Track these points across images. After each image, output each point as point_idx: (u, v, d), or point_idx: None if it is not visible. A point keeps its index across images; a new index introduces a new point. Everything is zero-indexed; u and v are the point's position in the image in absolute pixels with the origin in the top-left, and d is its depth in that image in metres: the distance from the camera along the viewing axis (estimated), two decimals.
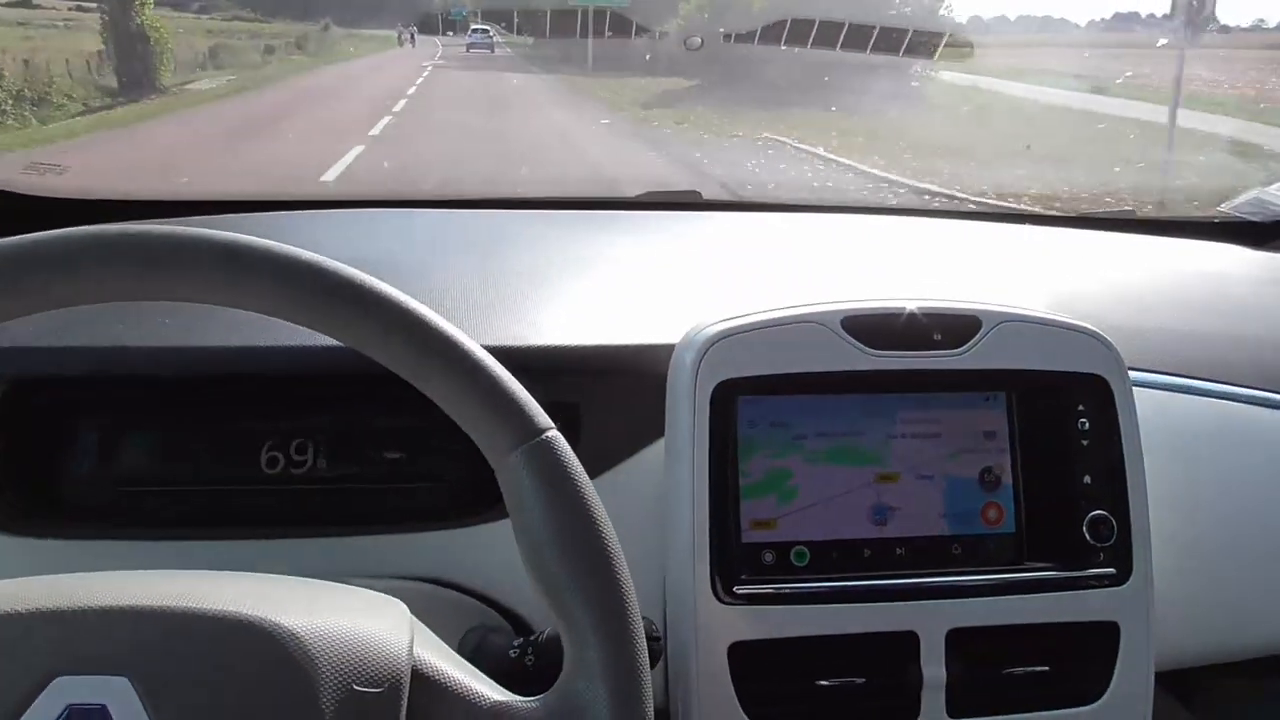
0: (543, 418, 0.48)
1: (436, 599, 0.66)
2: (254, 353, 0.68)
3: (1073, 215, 1.21)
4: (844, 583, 0.65)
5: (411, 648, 0.45)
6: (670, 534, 0.65)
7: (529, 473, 0.47)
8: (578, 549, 0.46)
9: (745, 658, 0.63)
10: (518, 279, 0.84)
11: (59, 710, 0.40)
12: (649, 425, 0.69)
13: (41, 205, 1.03)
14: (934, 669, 0.64)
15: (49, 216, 0.95)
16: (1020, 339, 0.68)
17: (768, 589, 0.64)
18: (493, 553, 0.67)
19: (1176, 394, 0.80)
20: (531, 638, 0.58)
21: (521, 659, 0.56)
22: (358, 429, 0.72)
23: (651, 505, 0.67)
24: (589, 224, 1.10)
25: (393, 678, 0.43)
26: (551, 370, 0.70)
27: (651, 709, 0.46)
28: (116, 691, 0.40)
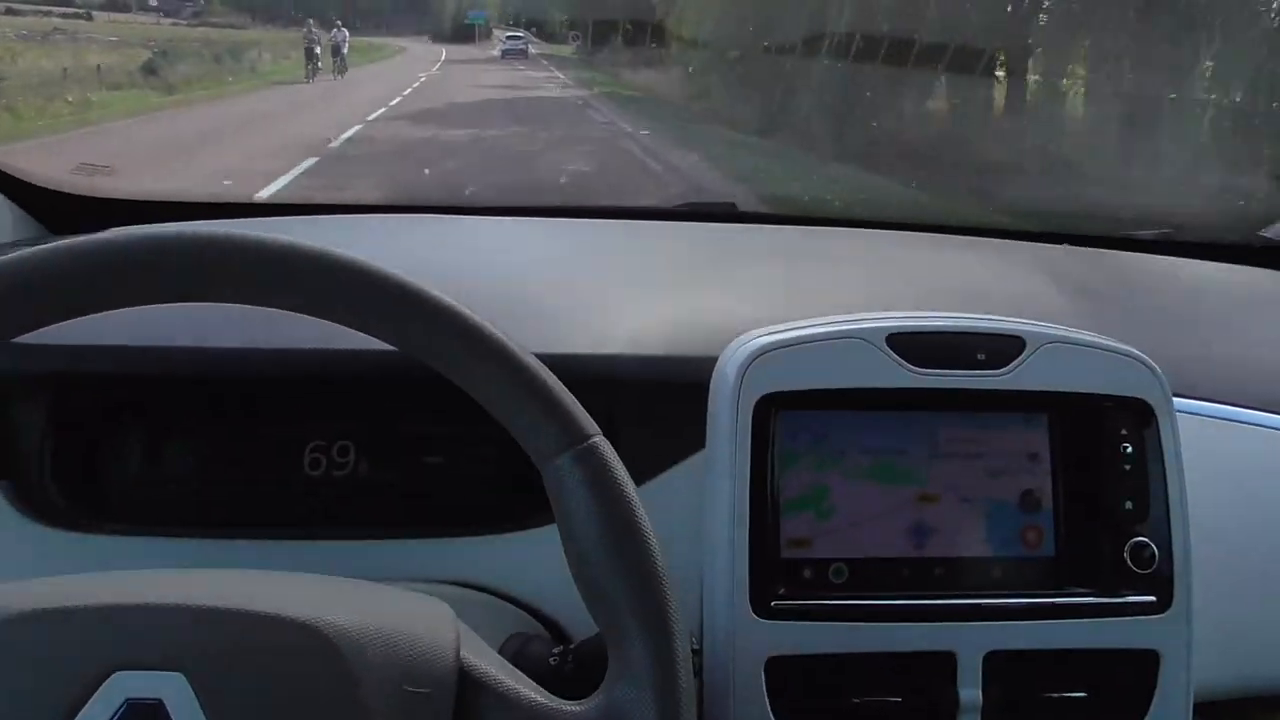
0: (590, 423, 0.49)
1: (476, 605, 0.66)
2: (300, 355, 0.69)
3: (1115, 237, 1.20)
4: (882, 601, 0.65)
5: (459, 649, 0.45)
6: (708, 547, 0.65)
7: (576, 477, 0.47)
8: (623, 553, 0.47)
9: (781, 673, 0.63)
10: (555, 288, 0.84)
11: (117, 704, 0.41)
12: (687, 437, 0.69)
13: (88, 205, 1.05)
14: (970, 691, 0.64)
15: (91, 217, 0.97)
16: (1064, 360, 0.68)
17: (806, 605, 0.64)
18: (532, 560, 0.67)
19: (1219, 421, 0.80)
20: (571, 645, 0.58)
21: (562, 666, 0.57)
22: (400, 433, 0.73)
23: (689, 518, 0.67)
24: (624, 233, 1.11)
25: (442, 678, 0.44)
26: (589, 380, 0.70)
27: (695, 715, 0.46)
28: (172, 687, 0.41)
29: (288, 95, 11.09)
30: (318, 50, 12.04)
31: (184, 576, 0.47)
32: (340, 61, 12.27)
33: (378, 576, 0.63)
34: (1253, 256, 1.15)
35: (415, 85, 12.24)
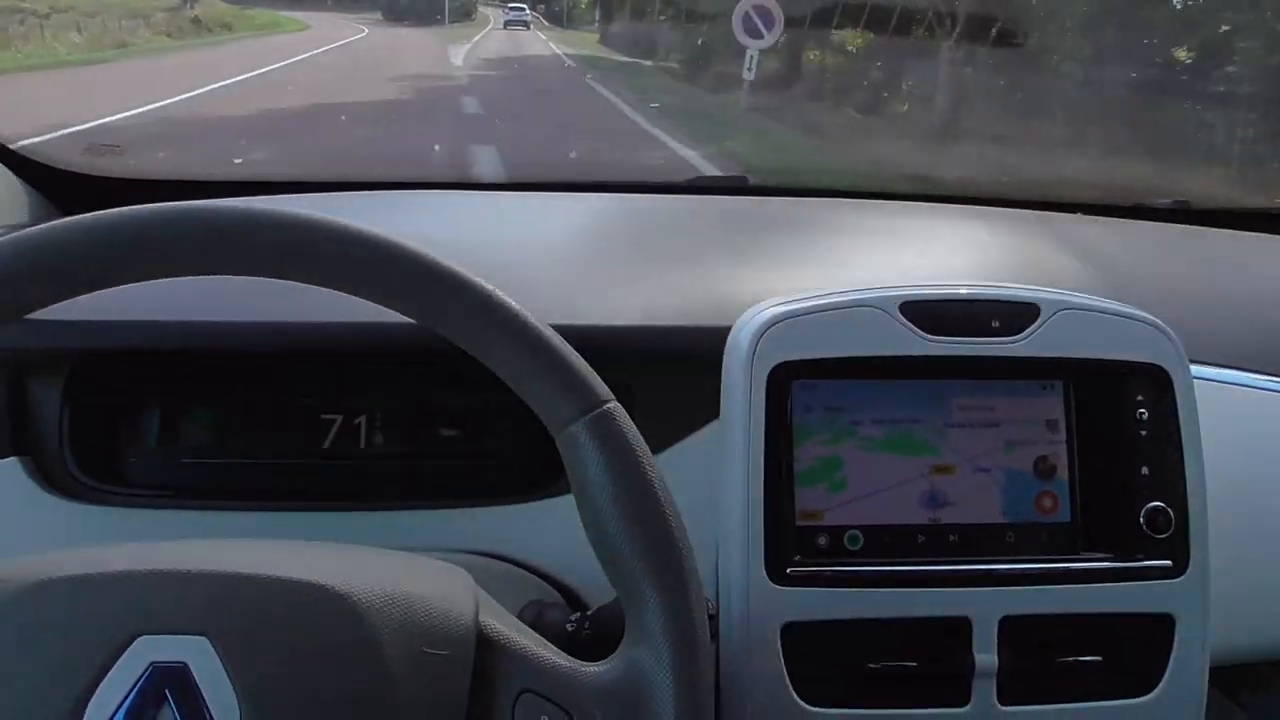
0: (604, 389, 0.49)
1: (494, 573, 0.67)
2: (318, 329, 0.69)
3: (1128, 205, 1.19)
4: (897, 567, 0.65)
5: (477, 612, 0.46)
6: (724, 515, 0.65)
7: (591, 442, 0.47)
8: (639, 517, 0.47)
9: (797, 639, 0.63)
10: (568, 261, 0.84)
11: (142, 667, 0.41)
12: (702, 407, 0.69)
13: (98, 185, 1.05)
14: (986, 656, 0.64)
15: (102, 196, 0.97)
16: (1079, 327, 0.68)
17: (821, 571, 0.64)
18: (549, 529, 0.68)
19: (1236, 387, 0.79)
20: (589, 612, 0.59)
21: (579, 633, 0.57)
22: (417, 406, 0.73)
23: (705, 487, 0.67)
24: (636, 207, 1.11)
25: (460, 640, 0.44)
26: (605, 351, 0.70)
27: (712, 676, 0.46)
28: (197, 651, 0.42)
29: None
30: None
31: (205, 545, 0.47)
32: None
33: (396, 547, 0.64)
34: (1271, 223, 1.14)
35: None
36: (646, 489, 0.47)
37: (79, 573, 0.43)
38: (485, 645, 0.45)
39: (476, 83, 8.80)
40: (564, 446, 0.48)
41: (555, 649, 0.47)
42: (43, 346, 0.69)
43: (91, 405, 0.71)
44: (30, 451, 0.69)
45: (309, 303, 0.69)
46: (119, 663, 0.41)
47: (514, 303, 0.49)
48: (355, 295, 0.49)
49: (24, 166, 1.00)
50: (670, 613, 0.46)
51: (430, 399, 0.74)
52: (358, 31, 14.68)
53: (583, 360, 0.49)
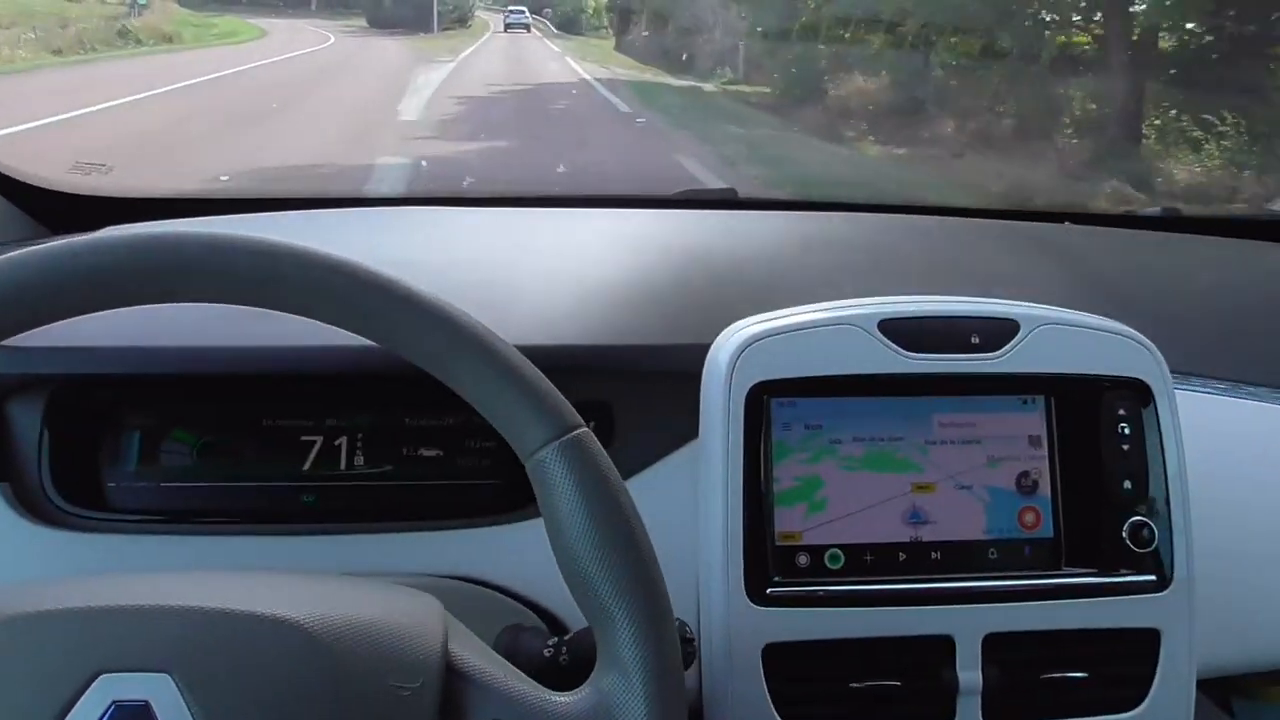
0: (573, 415, 0.49)
1: (471, 597, 0.66)
2: (295, 352, 0.69)
3: (1116, 214, 1.19)
4: (879, 586, 0.65)
5: (446, 642, 0.46)
6: (703, 536, 0.65)
7: (559, 469, 0.47)
8: (608, 543, 0.46)
9: (779, 659, 0.63)
10: (549, 277, 0.84)
11: (104, 706, 0.41)
12: (682, 426, 0.69)
13: (83, 204, 1.05)
14: (970, 674, 0.64)
15: (88, 216, 0.97)
16: (1060, 342, 0.67)
17: (801, 591, 0.64)
18: (527, 552, 0.67)
19: (1219, 397, 0.79)
20: (566, 637, 0.58)
21: (556, 658, 0.57)
22: (395, 428, 0.73)
23: (685, 507, 0.67)
24: (624, 222, 1.10)
25: (427, 672, 0.44)
26: (584, 369, 0.70)
27: (685, 703, 0.46)
28: (159, 688, 0.41)
29: None
30: None
31: (167, 578, 0.47)
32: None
33: (375, 569, 0.64)
34: (1260, 231, 1.14)
35: None
36: (617, 516, 0.47)
37: (39, 609, 0.43)
38: (454, 675, 0.45)
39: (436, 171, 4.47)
40: (533, 473, 0.48)
41: (525, 678, 0.47)
42: (21, 372, 0.69)
43: (71, 431, 0.71)
44: (9, 478, 0.69)
45: (288, 326, 0.69)
46: (81, 701, 0.41)
47: (481, 326, 0.49)
48: (321, 322, 0.49)
49: (7, 185, 1.00)
50: (641, 640, 0.45)
51: (411, 419, 0.73)
52: (323, 40, 12.85)
53: (550, 384, 0.49)
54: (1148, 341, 0.68)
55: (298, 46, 12.05)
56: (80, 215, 1.00)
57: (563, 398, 0.49)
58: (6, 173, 1.00)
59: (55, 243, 0.47)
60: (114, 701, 0.41)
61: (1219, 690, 0.81)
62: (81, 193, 1.07)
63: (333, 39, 12.93)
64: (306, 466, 0.72)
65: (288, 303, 0.48)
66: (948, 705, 0.64)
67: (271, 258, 0.48)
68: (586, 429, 0.48)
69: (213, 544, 0.69)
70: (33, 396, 0.70)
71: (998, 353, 0.67)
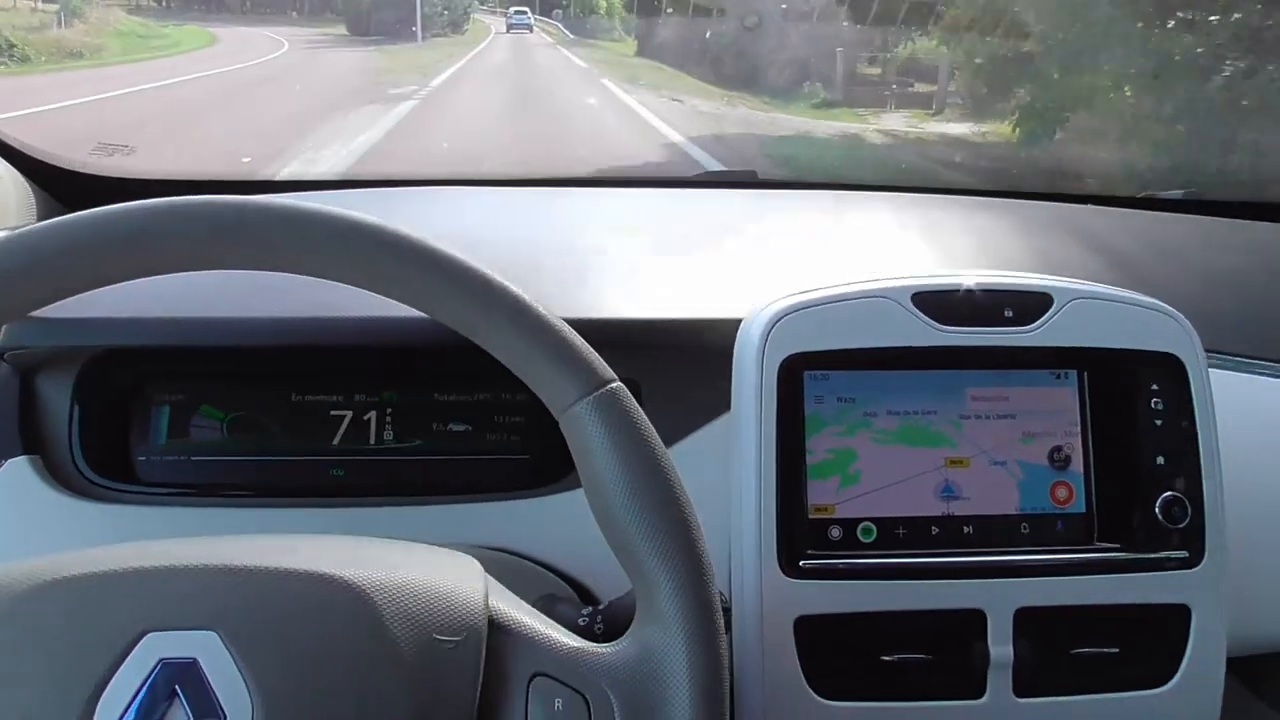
0: (606, 370, 0.48)
1: (505, 567, 0.67)
2: (328, 324, 0.69)
3: (1139, 197, 1.18)
4: (911, 559, 0.65)
5: (487, 598, 0.46)
6: (735, 509, 0.65)
7: (595, 422, 0.47)
8: (646, 496, 0.46)
9: (811, 631, 0.63)
10: (577, 254, 0.84)
11: (151, 664, 0.41)
12: (712, 401, 0.69)
13: (106, 185, 1.05)
14: (1001, 648, 0.64)
15: (116, 196, 0.97)
16: (1093, 316, 0.67)
17: (834, 564, 0.64)
18: (560, 523, 0.67)
19: (1252, 375, 0.79)
20: (600, 606, 0.58)
21: (591, 626, 0.57)
22: (424, 403, 0.73)
23: (716, 480, 0.67)
24: (646, 201, 1.10)
25: (470, 626, 0.44)
26: (614, 344, 0.70)
27: (726, 653, 0.46)
28: (206, 645, 0.41)
29: None
30: None
31: (211, 541, 0.47)
32: None
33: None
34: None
35: None
36: (653, 467, 0.46)
37: (84, 572, 0.43)
38: (496, 630, 0.45)
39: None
40: (568, 428, 0.48)
41: (566, 631, 0.47)
42: (52, 345, 0.69)
43: (101, 403, 0.71)
44: (40, 450, 0.69)
45: (319, 297, 0.69)
46: (128, 660, 0.41)
47: (514, 286, 0.49)
48: (353, 285, 0.49)
49: (32, 167, 1.00)
50: (681, 591, 0.45)
51: (440, 393, 0.73)
52: (276, 48, 11.35)
53: (584, 341, 0.49)
54: (1181, 317, 0.68)
55: (245, 58, 10.80)
56: (100, 195, 1.00)
57: (596, 354, 0.48)
58: (29, 154, 1.00)
59: (93, 211, 0.48)
60: (161, 659, 0.41)
61: (1248, 669, 0.81)
62: (102, 174, 1.07)
63: (286, 46, 11.49)
64: (336, 441, 0.72)
65: (320, 267, 0.48)
66: (978, 679, 0.64)
67: (300, 221, 0.48)
68: (620, 384, 0.48)
69: (242, 516, 0.70)
70: (63, 369, 0.70)
71: (1031, 326, 0.66)
